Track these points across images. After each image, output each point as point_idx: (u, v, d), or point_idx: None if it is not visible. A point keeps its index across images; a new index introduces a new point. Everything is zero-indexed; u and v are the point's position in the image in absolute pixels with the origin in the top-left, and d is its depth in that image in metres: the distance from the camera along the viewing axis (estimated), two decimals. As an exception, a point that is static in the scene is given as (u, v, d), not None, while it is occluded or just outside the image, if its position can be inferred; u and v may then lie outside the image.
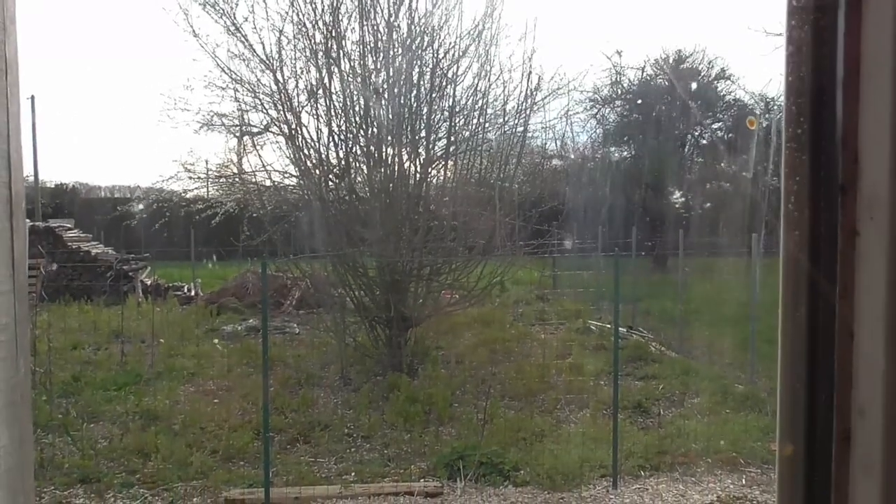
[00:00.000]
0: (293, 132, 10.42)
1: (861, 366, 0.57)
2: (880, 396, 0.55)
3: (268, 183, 11.37)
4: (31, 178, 29.27)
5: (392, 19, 10.32)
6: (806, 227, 0.59)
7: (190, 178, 12.64)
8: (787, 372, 0.61)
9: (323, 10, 10.20)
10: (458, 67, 10.65)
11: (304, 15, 10.23)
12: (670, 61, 23.86)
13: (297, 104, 10.58)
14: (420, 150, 10.83)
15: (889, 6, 0.53)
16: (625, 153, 24.83)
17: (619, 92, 24.05)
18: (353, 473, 7.11)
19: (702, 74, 23.70)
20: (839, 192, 0.57)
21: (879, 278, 0.55)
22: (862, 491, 0.57)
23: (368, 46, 10.30)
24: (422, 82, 10.53)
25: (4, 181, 1.13)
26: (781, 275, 0.61)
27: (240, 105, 11.03)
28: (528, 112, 10.96)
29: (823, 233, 0.58)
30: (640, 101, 23.24)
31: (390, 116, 10.47)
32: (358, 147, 10.70)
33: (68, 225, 20.14)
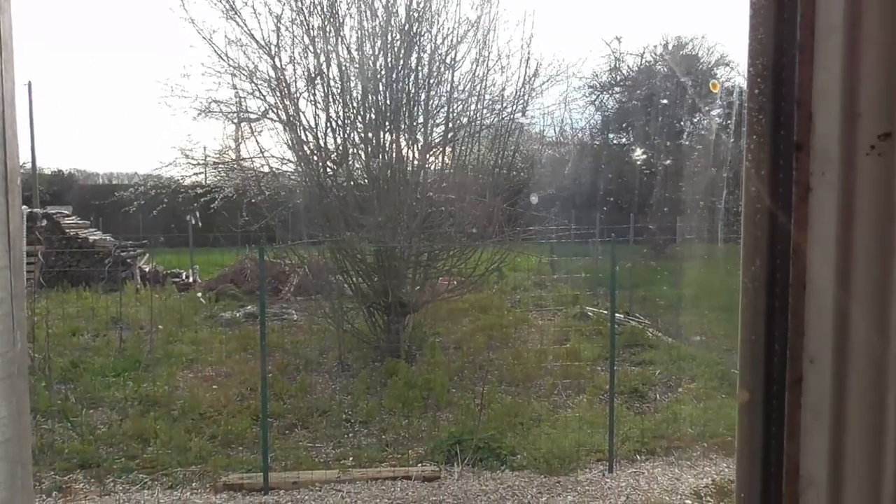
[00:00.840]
0: (291, 118, 10.40)
1: (812, 316, 0.59)
2: (829, 345, 0.58)
3: (266, 169, 11.36)
4: (29, 165, 29.20)
5: (390, 4, 10.29)
6: (762, 184, 0.61)
7: (188, 164, 12.62)
8: (746, 324, 0.63)
9: (321, -6, 10.16)
10: (456, 53, 10.63)
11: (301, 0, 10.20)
12: (669, 48, 23.79)
13: (294, 90, 10.56)
14: (418, 137, 10.83)
15: None
16: (623, 140, 24.80)
17: (618, 78, 23.99)
18: (350, 458, 7.17)
19: (701, 61, 23.64)
20: (794, 150, 0.60)
21: (830, 233, 0.57)
22: (812, 433, 0.59)
23: (366, 32, 10.27)
24: (420, 68, 10.50)
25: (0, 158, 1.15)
26: (742, 230, 0.63)
27: (237, 91, 11.00)
28: (526, 98, 10.96)
29: (780, 189, 0.61)
30: (638, 88, 23.19)
31: (388, 102, 10.45)
32: (356, 133, 10.69)
33: (66, 212, 20.15)
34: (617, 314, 10.71)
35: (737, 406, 0.67)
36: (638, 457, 7.23)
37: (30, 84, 29.57)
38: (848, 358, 0.58)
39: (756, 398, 0.63)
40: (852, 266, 0.57)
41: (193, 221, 15.97)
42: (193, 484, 6.58)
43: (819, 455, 0.60)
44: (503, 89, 10.88)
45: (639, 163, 22.75)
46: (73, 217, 19.84)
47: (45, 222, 17.28)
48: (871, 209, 0.56)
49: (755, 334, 0.63)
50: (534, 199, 12.07)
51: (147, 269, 17.39)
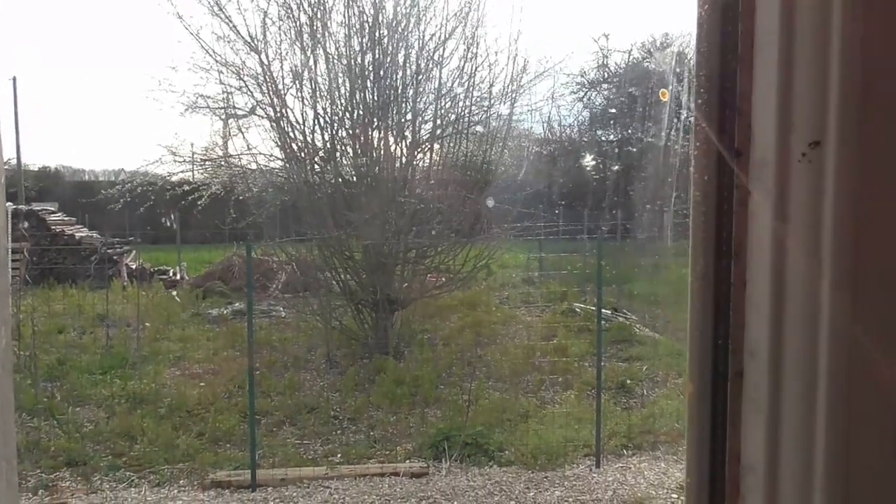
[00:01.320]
0: (279, 115, 10.39)
1: (752, 312, 0.63)
2: (766, 339, 0.61)
3: (253, 166, 11.34)
4: (14, 162, 28.96)
5: (377, 0, 10.29)
6: (707, 189, 0.65)
7: (175, 161, 12.57)
8: (693, 319, 0.67)
9: (308, -10, 10.15)
10: (444, 50, 10.64)
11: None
12: (657, 44, 23.89)
13: (282, 86, 10.54)
14: (406, 134, 10.84)
15: None
16: (611, 136, 24.90)
17: (606, 75, 24.09)
18: (339, 455, 7.19)
19: (689, 58, 23.76)
20: (735, 157, 0.63)
21: (766, 234, 0.61)
22: (751, 424, 0.63)
23: (354, 28, 10.27)
24: (408, 65, 10.52)
25: (-19, 154, 1.16)
26: (691, 233, 0.67)
27: (225, 87, 10.97)
28: (514, 95, 10.99)
29: (722, 194, 0.64)
30: (626, 84, 23.28)
31: (376, 99, 10.45)
32: (344, 130, 10.69)
33: (52, 208, 20.00)
34: (604, 310, 10.78)
35: (686, 398, 0.70)
36: (625, 452, 7.29)
37: (14, 79, 29.30)
38: (783, 351, 0.62)
39: (702, 390, 0.66)
40: (786, 265, 0.61)
41: (170, 223, 15.91)
42: (181, 481, 6.58)
43: (757, 443, 0.63)
44: (491, 86, 10.91)
45: (626, 158, 22.86)
46: (60, 214, 19.71)
47: (30, 219, 17.17)
48: (803, 213, 0.60)
49: (701, 329, 0.66)
50: (522, 195, 12.11)
51: (134, 267, 17.31)
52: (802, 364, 0.60)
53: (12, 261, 13.28)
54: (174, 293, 15.00)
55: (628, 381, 9.27)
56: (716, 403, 0.66)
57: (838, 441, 0.59)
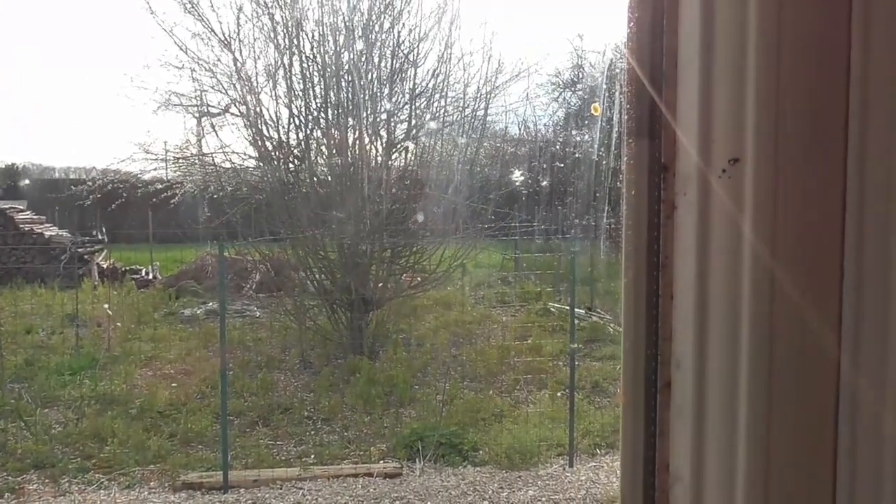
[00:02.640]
0: (253, 113, 10.32)
1: (679, 324, 0.65)
2: (691, 350, 0.63)
3: (227, 165, 11.25)
4: (-18, 159, 28.39)
5: None
6: (636, 201, 0.66)
7: (147, 159, 12.43)
8: (625, 330, 0.68)
9: (282, -11, 10.09)
10: (419, 50, 10.64)
11: (262, -7, 10.11)
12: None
13: (256, 85, 10.47)
14: (381, 133, 10.82)
15: (697, 8, 0.60)
16: (586, 136, 25.04)
17: (581, 76, 24.23)
18: (312, 456, 7.16)
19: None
20: (662, 171, 0.64)
21: (690, 247, 0.62)
22: (678, 433, 0.64)
23: (329, 27, 10.23)
24: (383, 64, 10.50)
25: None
26: (623, 245, 0.68)
27: (198, 85, 10.87)
28: (489, 95, 11.02)
29: (650, 208, 0.65)
30: (601, 85, 23.43)
31: (351, 98, 10.42)
32: (318, 129, 10.65)
33: (20, 207, 19.65)
34: (579, 310, 10.85)
35: (621, 408, 0.71)
36: (598, 451, 7.35)
37: (-18, 75, 28.73)
38: (707, 362, 0.63)
39: (634, 400, 0.68)
40: (709, 278, 0.63)
41: (142, 222, 15.67)
42: (151, 483, 6.51)
43: (684, 452, 0.65)
44: (466, 86, 10.93)
45: (601, 159, 23.01)
46: (28, 212, 19.37)
47: (0, 220, 16.86)
48: (724, 227, 0.62)
49: (632, 341, 0.67)
50: (497, 195, 12.15)
51: (105, 266, 17.07)
52: (725, 374, 0.62)
53: (-21, 260, 13.02)
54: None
55: (602, 380, 9.34)
56: (648, 414, 0.67)
57: (759, 450, 0.61)
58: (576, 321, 8.39)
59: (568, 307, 12.36)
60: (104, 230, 19.53)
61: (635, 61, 0.65)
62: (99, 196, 12.68)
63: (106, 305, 11.80)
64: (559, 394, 8.79)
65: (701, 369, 0.63)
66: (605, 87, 23.37)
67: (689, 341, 0.64)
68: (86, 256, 16.64)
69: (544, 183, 20.16)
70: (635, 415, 0.67)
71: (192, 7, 10.09)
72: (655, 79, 0.65)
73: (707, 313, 0.63)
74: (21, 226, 17.27)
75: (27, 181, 29.68)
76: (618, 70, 23.91)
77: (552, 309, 13.42)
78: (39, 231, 17.46)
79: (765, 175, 0.60)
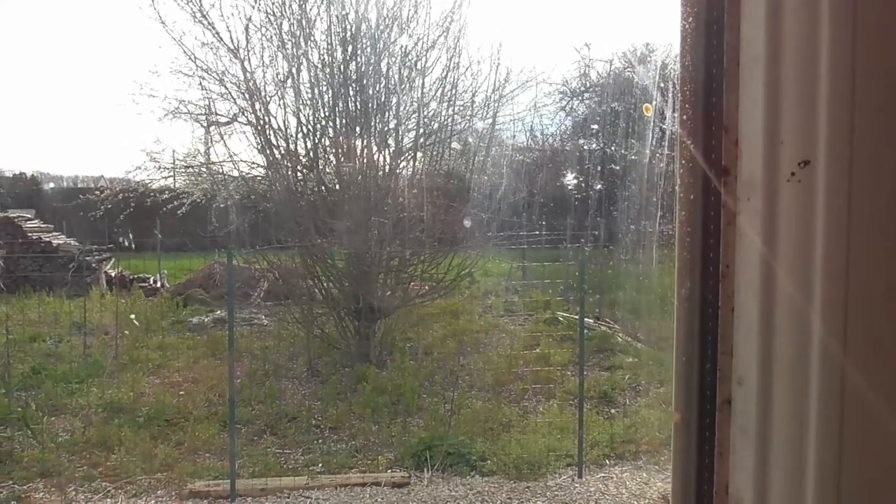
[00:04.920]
0: (261, 122, 10.33)
1: (740, 338, 0.61)
2: (755, 366, 0.59)
3: (235, 173, 11.26)
4: (-10, 167, 28.54)
5: (361, 9, 10.28)
6: (692, 209, 0.63)
7: (156, 167, 12.45)
8: (679, 345, 0.65)
9: (291, -2, 10.12)
10: (426, 59, 10.65)
11: (272, 3, 10.15)
12: (639, 54, 24.09)
13: (265, 94, 10.49)
14: (389, 142, 10.81)
15: (762, 4, 0.56)
16: (594, 145, 25.02)
17: (588, 84, 24.24)
18: (320, 464, 7.12)
19: (669, 67, 24.00)
20: (722, 175, 0.61)
21: (755, 257, 0.59)
22: (740, 453, 0.61)
23: (337, 37, 10.24)
24: (391, 73, 10.51)
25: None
26: (676, 253, 0.65)
27: (207, 94, 10.89)
28: (496, 104, 11.01)
29: (710, 213, 0.62)
30: (608, 94, 23.43)
31: (359, 107, 10.43)
32: (326, 138, 10.65)
33: (28, 215, 19.73)
34: (587, 319, 10.78)
35: (672, 427, 0.68)
36: (607, 461, 7.28)
37: (-8, 84, 28.92)
38: (773, 379, 0.60)
39: (689, 418, 0.64)
40: (776, 290, 0.59)
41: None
42: (159, 492, 6.48)
43: (746, 475, 0.61)
44: (474, 95, 10.93)
45: (609, 168, 22.98)
46: (36, 221, 19.44)
47: (5, 226, 16.92)
48: (793, 234, 0.58)
49: (686, 355, 0.64)
50: (505, 204, 12.12)
51: (113, 274, 17.10)
52: (793, 392, 0.58)
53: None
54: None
55: (611, 390, 9.27)
56: (703, 433, 0.63)
57: (830, 473, 0.57)
58: (585, 331, 8.33)
59: (576, 316, 12.32)
60: (112, 238, 19.58)
61: (691, 60, 0.62)
62: (108, 205, 12.70)
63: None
64: (568, 404, 8.73)
65: (766, 387, 0.60)
66: (611, 97, 23.37)
67: (753, 357, 0.60)
68: (94, 265, 16.67)
69: (552, 191, 20.15)
70: (690, 433, 0.64)
71: (202, 17, 10.13)
72: (714, 78, 0.62)
73: (773, 328, 0.59)
74: (29, 234, 17.34)
75: (36, 190, 29.81)
76: (623, 79, 23.92)
77: (560, 318, 13.36)
78: (48, 240, 17.52)
79: (838, 178, 0.56)
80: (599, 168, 23.19)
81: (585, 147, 25.15)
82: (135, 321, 11.55)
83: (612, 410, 8.77)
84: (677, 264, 0.65)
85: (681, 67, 0.64)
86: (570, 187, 21.43)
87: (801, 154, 0.58)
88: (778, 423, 0.59)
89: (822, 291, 0.57)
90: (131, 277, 17.28)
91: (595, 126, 24.43)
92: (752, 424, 0.60)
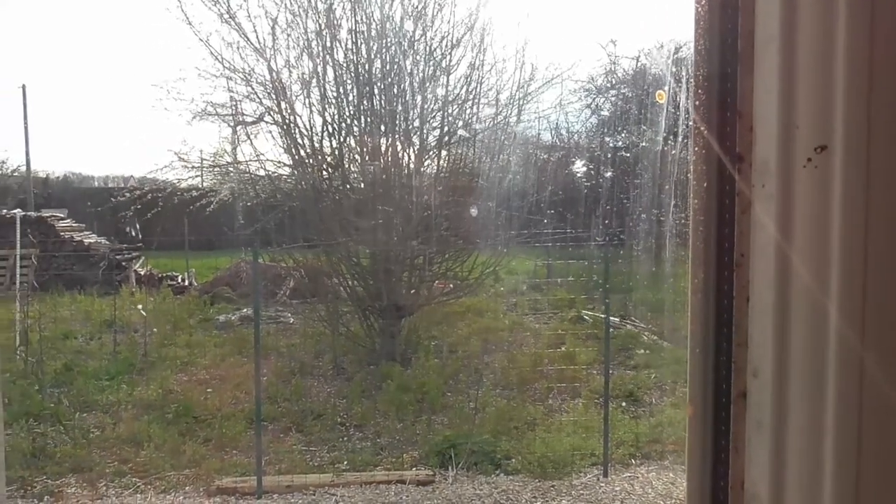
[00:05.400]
0: (287, 122, 10.40)
1: (755, 328, 0.59)
2: (771, 357, 0.57)
3: (261, 172, 11.35)
4: (23, 168, 29.14)
5: (386, 8, 10.30)
6: (706, 195, 0.61)
7: (184, 167, 12.60)
8: (693, 336, 0.63)
9: (316, -2, 10.18)
10: (451, 57, 10.64)
11: (297, 3, 10.21)
12: (665, 51, 23.82)
13: (290, 94, 10.56)
14: (414, 140, 10.82)
15: None
16: (619, 143, 24.82)
17: (614, 82, 24.03)
18: (345, 462, 7.16)
19: (688, 66, 23.72)
20: (736, 162, 0.59)
21: (770, 245, 0.57)
22: (755, 446, 0.59)
23: (362, 35, 10.28)
24: (415, 72, 10.52)
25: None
26: (690, 243, 0.63)
27: (233, 94, 10.99)
28: (521, 101, 10.97)
29: (723, 201, 0.60)
30: (635, 91, 23.21)
31: (384, 106, 10.45)
32: (352, 137, 10.69)
33: (61, 215, 20.08)
34: (613, 318, 10.70)
35: (687, 420, 0.66)
36: (633, 461, 7.23)
37: (24, 87, 29.53)
38: (789, 371, 0.58)
39: (703, 411, 0.63)
40: (792, 278, 0.57)
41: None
42: (187, 488, 6.56)
43: (762, 470, 0.59)
44: (498, 93, 10.89)
45: (633, 164, 22.77)
46: (69, 220, 19.78)
47: (39, 226, 17.25)
48: (809, 221, 0.56)
49: (701, 347, 0.62)
50: (530, 202, 12.07)
51: (142, 273, 17.36)
52: (810, 384, 0.56)
53: (21, 267, 13.34)
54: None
55: (636, 390, 9.19)
56: (718, 426, 0.61)
57: (848, 467, 0.55)
58: (610, 329, 8.26)
59: (601, 315, 12.23)
60: (141, 237, 19.88)
61: (704, 43, 0.61)
62: (138, 206, 12.89)
63: (140, 307, 11.97)
64: (593, 403, 8.67)
65: (782, 379, 0.58)
66: (636, 93, 23.16)
67: (768, 348, 0.58)
68: (123, 263, 16.94)
69: (577, 189, 20.03)
70: (705, 426, 0.62)
71: (230, 17, 10.22)
72: (728, 61, 0.60)
73: (789, 317, 0.57)
74: (62, 234, 17.66)
75: (68, 190, 30.38)
76: (649, 75, 23.67)
77: (586, 317, 13.28)
78: (79, 238, 17.84)
79: (856, 164, 0.54)
80: (624, 165, 23.00)
81: (611, 144, 24.96)
82: (142, 311, 11.71)
83: (638, 409, 8.70)
84: (691, 253, 0.63)
85: (694, 51, 0.62)
86: (594, 185, 21.28)
87: (817, 139, 0.56)
88: (794, 415, 0.57)
89: (839, 280, 0.55)
90: (160, 276, 17.52)
91: (620, 123, 24.24)
92: (767, 417, 0.58)
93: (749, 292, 0.60)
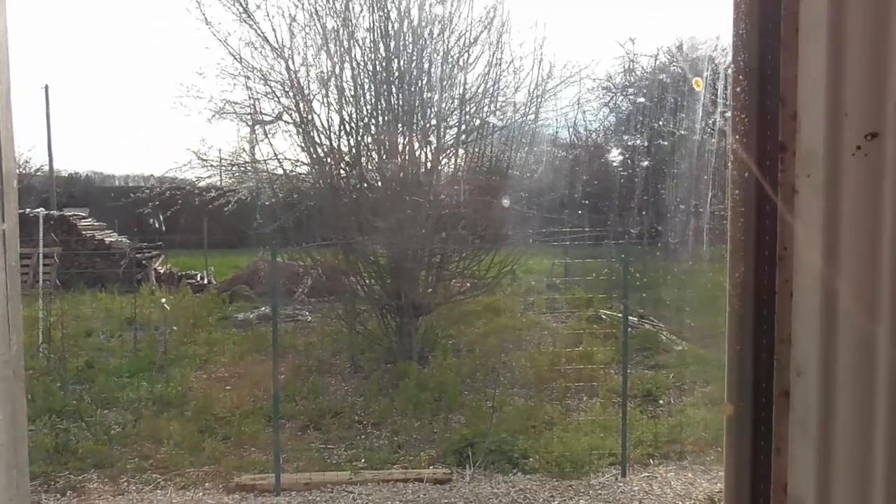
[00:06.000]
0: (305, 120, 10.43)
1: (799, 325, 0.57)
2: (816, 355, 0.55)
3: (279, 171, 11.40)
4: (46, 168, 29.52)
5: (403, 6, 10.29)
6: (746, 187, 0.59)
7: (203, 166, 12.69)
8: (731, 333, 0.61)
9: (334, -3, 10.20)
10: (469, 55, 10.61)
11: (315, 2, 10.24)
12: (683, 49, 23.63)
13: (308, 92, 10.59)
14: (431, 139, 10.81)
15: None
16: (637, 141, 24.65)
17: (632, 80, 23.88)
18: (362, 460, 7.16)
19: (716, 62, 23.50)
20: (779, 151, 0.57)
21: (816, 238, 0.54)
22: (798, 450, 0.57)
23: (380, 34, 10.28)
24: (433, 70, 10.51)
25: (-6, 159, 1.14)
26: (729, 235, 0.61)
27: (252, 93, 11.05)
28: (539, 100, 10.92)
29: (765, 192, 0.58)
30: (653, 89, 23.05)
31: (401, 104, 10.45)
32: (369, 135, 10.70)
33: (82, 214, 20.34)
34: (631, 317, 10.62)
35: (724, 420, 0.64)
36: (651, 461, 7.17)
37: (47, 88, 29.93)
38: (835, 370, 0.55)
39: (742, 411, 0.60)
40: (840, 273, 0.54)
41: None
42: (206, 484, 6.60)
43: (807, 473, 0.57)
44: (516, 91, 10.85)
45: (652, 164, 22.61)
46: (90, 219, 20.03)
47: (61, 224, 17.47)
48: (858, 212, 0.54)
49: (741, 344, 0.60)
50: (547, 200, 12.02)
51: (162, 271, 17.51)
52: (857, 384, 0.53)
53: (44, 265, 13.50)
54: (162, 301, 15.08)
55: (655, 389, 9.12)
56: (758, 427, 0.59)
57: (899, 470, 0.52)
58: (628, 329, 8.20)
59: (619, 314, 12.16)
60: (161, 235, 20.05)
61: (745, 28, 0.58)
62: (157, 203, 13.00)
63: (163, 300, 12.07)
64: (611, 402, 8.61)
65: (828, 378, 0.55)
66: (655, 92, 22.99)
67: (814, 345, 0.56)
68: (143, 261, 17.10)
69: (594, 187, 19.93)
70: (744, 426, 0.60)
71: (248, 17, 10.27)
72: (770, 46, 0.57)
73: (835, 313, 0.55)
74: (84, 232, 17.88)
75: (89, 189, 30.72)
76: (668, 73, 23.49)
77: (603, 316, 13.19)
78: (101, 237, 18.04)
79: (911, 151, 0.51)
80: (642, 164, 22.85)
81: (629, 143, 24.81)
82: (166, 305, 11.80)
83: (657, 409, 8.63)
84: (730, 247, 0.61)
85: (733, 36, 0.59)
86: (612, 183, 21.16)
87: (867, 126, 0.53)
88: (841, 417, 0.55)
89: (890, 274, 0.52)
90: (179, 274, 17.67)
91: (638, 122, 24.08)
92: (812, 418, 0.56)
93: (792, 287, 0.58)
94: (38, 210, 14.65)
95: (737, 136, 0.59)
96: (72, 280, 15.86)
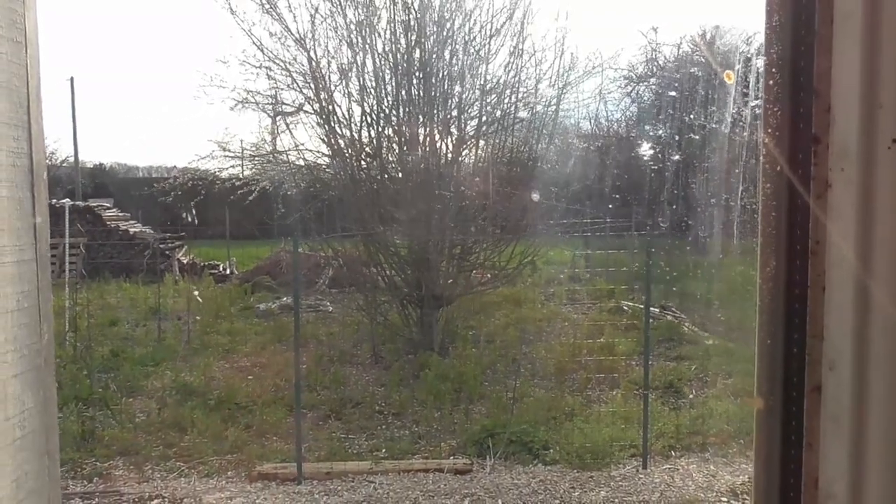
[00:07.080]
0: (326, 111, 10.46)
1: (832, 319, 0.56)
2: (849, 350, 0.54)
3: (301, 162, 11.46)
4: (72, 159, 29.92)
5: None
6: (778, 180, 0.58)
7: (225, 156, 12.80)
8: (762, 327, 0.60)
9: (356, -12, 10.20)
10: (490, 46, 10.56)
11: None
12: (707, 38, 23.33)
13: (329, 83, 10.61)
14: (452, 130, 10.80)
15: None
16: (660, 132, 24.42)
17: (655, 69, 23.64)
18: (383, 450, 7.21)
19: (740, 50, 23.16)
20: (812, 144, 0.56)
21: (850, 232, 0.54)
22: (830, 444, 0.56)
23: (401, 25, 10.27)
24: (454, 61, 10.48)
25: (25, 152, 1.16)
26: (760, 229, 0.60)
27: (274, 84, 11.10)
28: (561, 91, 10.85)
29: (796, 185, 0.57)
30: (676, 79, 22.80)
31: (422, 95, 10.44)
32: (390, 126, 10.71)
33: (107, 204, 20.61)
34: (653, 308, 10.56)
35: (754, 413, 0.64)
36: (672, 453, 7.13)
37: (72, 80, 30.28)
38: (869, 364, 0.55)
39: (773, 405, 0.60)
40: (874, 267, 0.54)
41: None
42: (229, 473, 6.68)
43: (838, 467, 0.56)
44: (538, 81, 10.79)
45: (675, 155, 22.39)
46: (114, 210, 20.29)
47: (87, 215, 17.71)
48: (892, 207, 0.53)
49: (772, 338, 0.59)
50: (568, 191, 11.96)
51: (185, 261, 17.70)
52: (891, 378, 0.53)
53: (70, 255, 13.72)
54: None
55: (676, 381, 9.07)
56: (789, 421, 0.59)
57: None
58: (650, 320, 8.15)
59: (641, 305, 12.09)
60: (185, 225, 20.26)
61: (778, 19, 0.57)
62: (179, 193, 13.14)
63: (196, 292, 12.21)
64: (632, 393, 8.58)
65: (861, 372, 0.55)
66: (679, 82, 22.74)
67: (847, 340, 0.55)
68: (167, 252, 17.30)
69: (616, 178, 19.80)
70: (775, 420, 0.59)
71: (271, 7, 10.31)
72: (804, 38, 0.57)
73: (869, 309, 0.54)
74: (108, 223, 18.12)
75: (114, 180, 31.11)
76: (691, 63, 23.21)
77: (625, 307, 13.13)
78: (125, 228, 18.28)
79: (948, 145, 0.51)
80: (665, 154, 22.63)
81: (651, 133, 24.58)
82: (198, 297, 11.94)
83: (679, 401, 8.58)
84: (761, 240, 0.60)
85: (766, 27, 0.59)
86: (634, 174, 20.99)
87: (904, 119, 0.52)
88: (874, 411, 0.54)
89: (927, 268, 0.52)
90: (202, 264, 17.86)
91: (660, 112, 23.84)
92: (845, 413, 0.55)
93: (825, 281, 0.57)
94: (64, 201, 14.87)
95: (769, 129, 0.59)
96: (97, 270, 16.09)
